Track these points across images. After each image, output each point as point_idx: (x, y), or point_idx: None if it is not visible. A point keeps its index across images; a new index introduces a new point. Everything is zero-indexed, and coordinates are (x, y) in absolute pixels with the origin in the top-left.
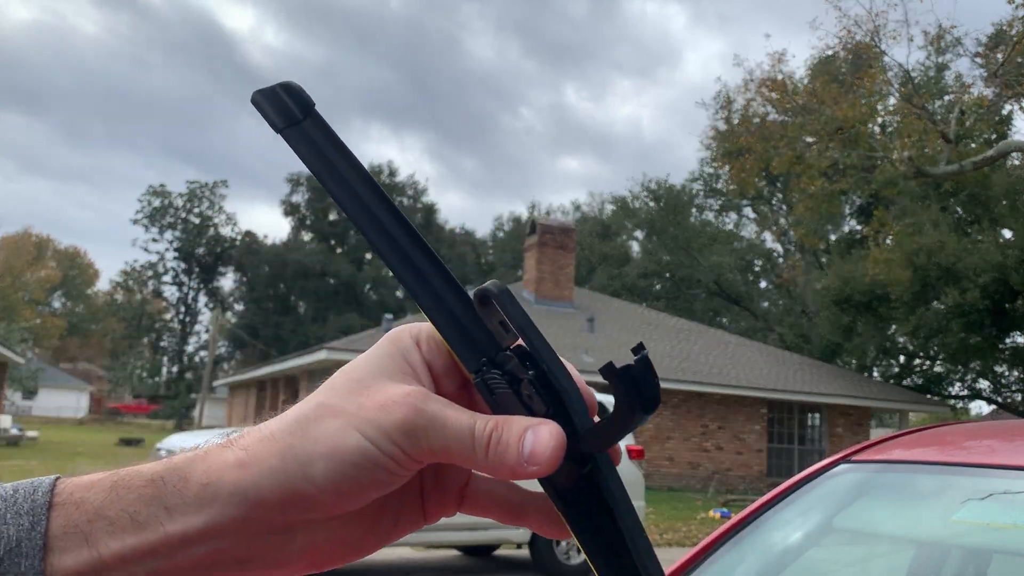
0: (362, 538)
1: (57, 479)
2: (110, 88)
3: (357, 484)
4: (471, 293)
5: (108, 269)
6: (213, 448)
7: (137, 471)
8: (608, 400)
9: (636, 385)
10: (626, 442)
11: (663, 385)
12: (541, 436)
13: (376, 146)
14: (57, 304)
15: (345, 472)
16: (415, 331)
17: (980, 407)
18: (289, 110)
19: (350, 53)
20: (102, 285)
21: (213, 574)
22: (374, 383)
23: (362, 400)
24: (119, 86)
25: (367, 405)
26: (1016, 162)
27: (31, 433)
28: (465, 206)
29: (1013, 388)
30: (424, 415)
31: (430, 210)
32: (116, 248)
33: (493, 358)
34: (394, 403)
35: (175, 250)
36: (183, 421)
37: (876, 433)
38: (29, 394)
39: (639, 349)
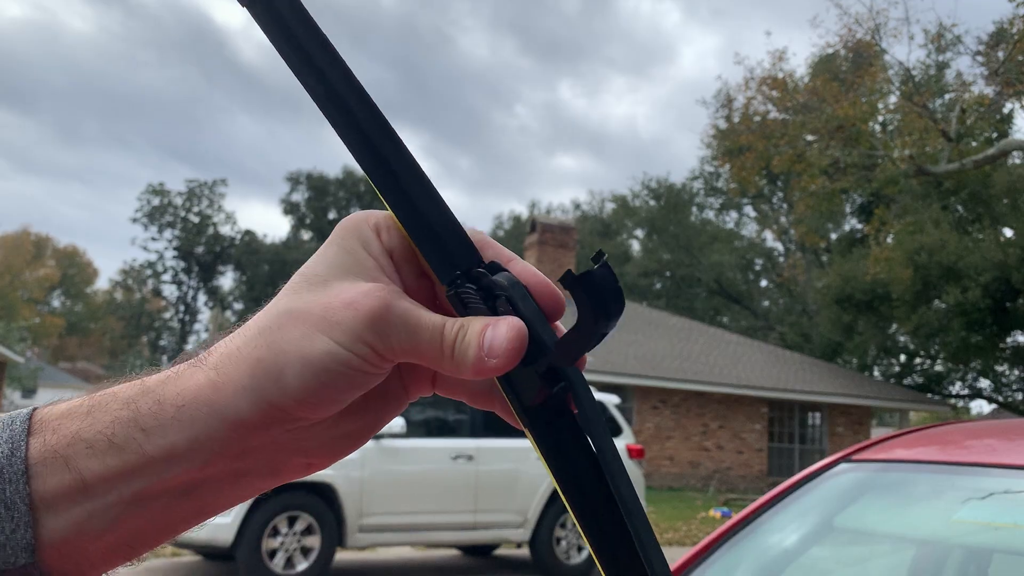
0: (349, 435)
1: (34, 409)
2: (102, 86)
3: (333, 389)
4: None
5: (107, 268)
6: (184, 369)
7: (112, 394)
8: (608, 399)
9: (598, 291)
10: (626, 441)
11: (663, 385)
12: (499, 330)
13: None
14: (56, 303)
15: (318, 379)
16: (373, 219)
17: (981, 406)
18: None
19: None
20: (101, 284)
21: (200, 489)
22: (336, 281)
23: (326, 301)
24: (111, 84)
25: (332, 305)
26: (1017, 160)
27: None
28: (462, 204)
29: (1014, 387)
30: (394, 312)
31: None
32: (115, 247)
33: (467, 271)
34: (361, 301)
35: (174, 249)
36: None
37: (877, 432)
38: (28, 393)
39: (599, 256)
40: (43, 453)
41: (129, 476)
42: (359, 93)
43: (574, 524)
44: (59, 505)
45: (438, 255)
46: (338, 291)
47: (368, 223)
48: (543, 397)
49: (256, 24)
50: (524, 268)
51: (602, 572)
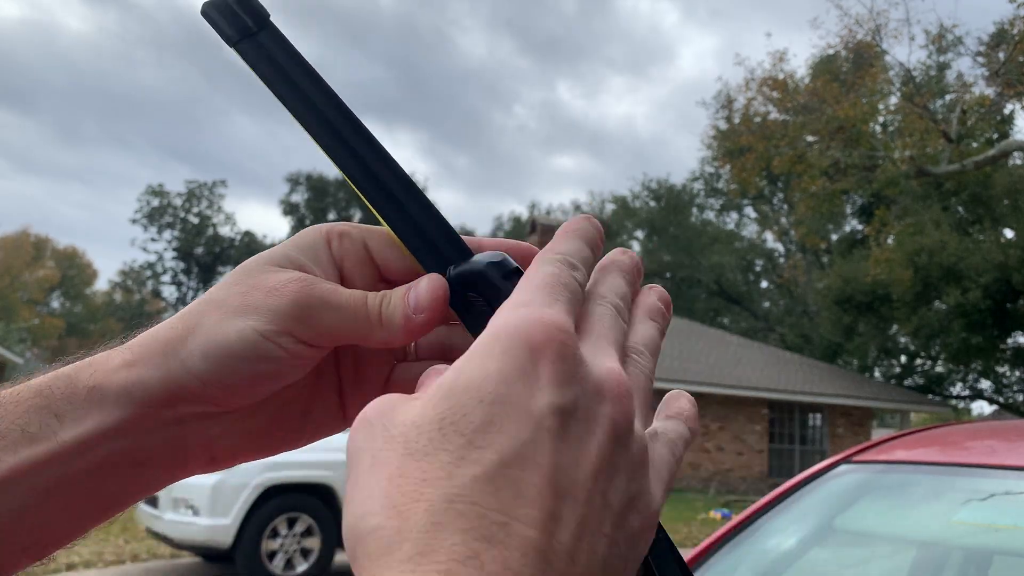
0: (266, 433)
1: None
2: (100, 86)
3: (242, 376)
4: None
5: (107, 269)
6: (101, 353)
7: (26, 385)
8: None
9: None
10: None
11: (663, 386)
12: (421, 286)
13: None
14: (56, 304)
15: (226, 364)
16: (326, 228)
17: (982, 407)
18: (242, 22)
19: (341, 50)
20: (101, 285)
21: (112, 477)
22: (261, 272)
23: (247, 289)
24: (109, 84)
25: (252, 293)
26: (1018, 161)
27: None
28: (460, 204)
29: (1015, 388)
30: (314, 294)
31: None
32: (114, 248)
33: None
34: (281, 287)
35: (174, 250)
36: None
37: (877, 434)
38: None
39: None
40: None
41: (43, 466)
42: (358, 129)
43: None
44: None
45: (432, 259)
46: (260, 281)
47: (320, 232)
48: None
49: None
50: (496, 244)
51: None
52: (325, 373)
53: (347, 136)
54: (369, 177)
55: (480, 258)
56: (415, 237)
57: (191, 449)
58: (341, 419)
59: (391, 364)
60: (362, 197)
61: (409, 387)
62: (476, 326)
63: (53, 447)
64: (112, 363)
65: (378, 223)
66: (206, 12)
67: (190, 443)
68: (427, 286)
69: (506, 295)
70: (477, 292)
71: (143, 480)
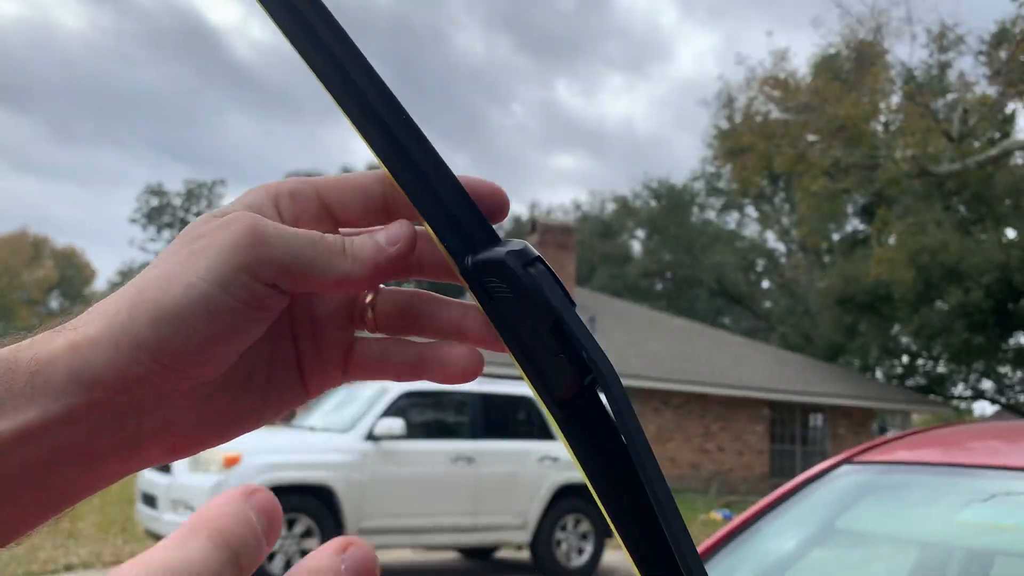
0: (225, 416)
1: None
2: (96, 84)
3: (197, 339)
4: None
5: (106, 268)
6: (42, 334)
7: None
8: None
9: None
10: None
11: (664, 386)
12: (391, 225)
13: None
14: (54, 304)
15: (177, 328)
16: (275, 185)
17: (984, 408)
18: None
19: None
20: (100, 285)
21: (59, 470)
22: (201, 224)
23: (188, 241)
24: (105, 82)
25: (195, 243)
26: (1020, 161)
27: None
28: None
29: (1017, 389)
30: (262, 226)
31: None
32: (113, 248)
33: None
34: (225, 226)
35: None
36: None
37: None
38: None
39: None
40: None
41: None
42: (380, 87)
43: (575, 525)
44: None
45: (456, 239)
46: (203, 230)
47: (268, 190)
48: (575, 389)
49: (263, 9)
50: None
51: (637, 572)
52: (282, 345)
53: (374, 102)
54: (395, 148)
55: (501, 248)
56: (440, 215)
57: (147, 437)
58: (303, 394)
59: (351, 337)
60: (386, 169)
61: (369, 366)
62: (495, 313)
63: None
64: (56, 344)
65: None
66: None
67: (145, 431)
68: (398, 224)
69: (526, 283)
70: (498, 280)
71: (93, 474)
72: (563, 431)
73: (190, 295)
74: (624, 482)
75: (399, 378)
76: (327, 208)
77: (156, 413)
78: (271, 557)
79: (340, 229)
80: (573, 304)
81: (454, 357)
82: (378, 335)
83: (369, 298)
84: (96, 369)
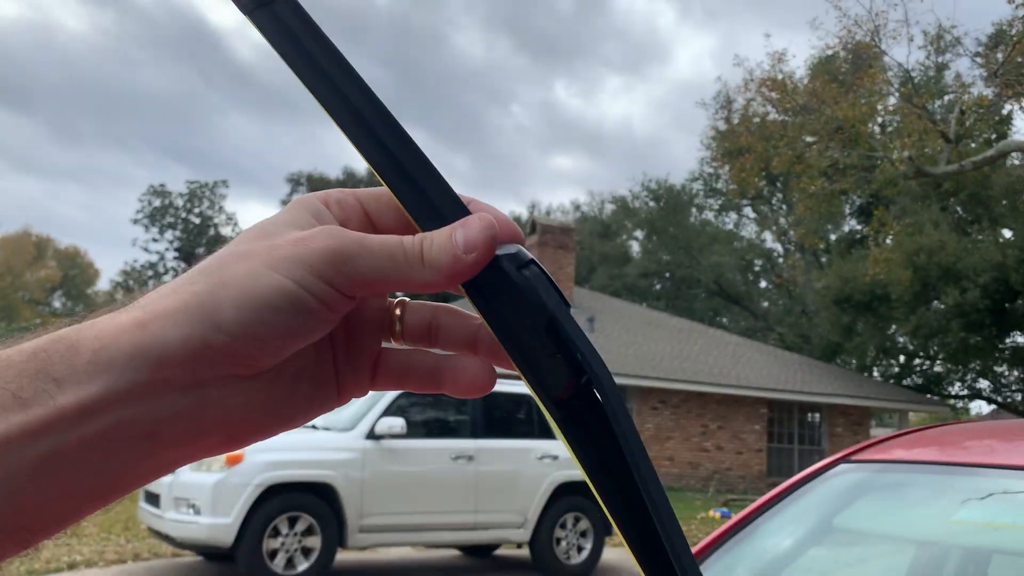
0: (281, 406)
1: None
2: (97, 86)
3: (275, 331)
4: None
5: (108, 269)
6: (105, 313)
7: (18, 348)
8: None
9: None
10: None
11: (663, 386)
12: (471, 224)
13: None
14: (57, 304)
15: (261, 317)
16: (324, 194)
17: (980, 407)
18: None
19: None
20: (102, 285)
21: (117, 451)
22: (281, 230)
23: (271, 245)
24: (106, 83)
25: (280, 244)
26: (1016, 162)
27: None
28: None
29: (1013, 388)
30: (348, 238)
31: None
32: (116, 248)
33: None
34: (311, 236)
35: (176, 250)
36: None
37: (876, 433)
38: None
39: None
40: None
41: (38, 433)
42: (374, 103)
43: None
44: None
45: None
46: (286, 235)
47: (319, 197)
48: (571, 389)
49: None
50: (484, 208)
51: (640, 570)
52: (325, 347)
53: (365, 112)
54: (388, 157)
55: (496, 251)
56: (435, 222)
57: (208, 420)
58: (336, 397)
59: (380, 346)
60: (380, 178)
61: (394, 375)
62: (492, 315)
63: (49, 413)
64: (121, 321)
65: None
66: None
67: (208, 413)
68: (478, 224)
69: (521, 285)
70: (493, 283)
71: (152, 459)
72: (562, 430)
73: (279, 291)
74: (620, 481)
75: (419, 388)
76: (368, 216)
77: (220, 397)
78: (273, 555)
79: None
80: (568, 305)
81: (469, 370)
82: (402, 345)
83: (399, 310)
84: (167, 345)
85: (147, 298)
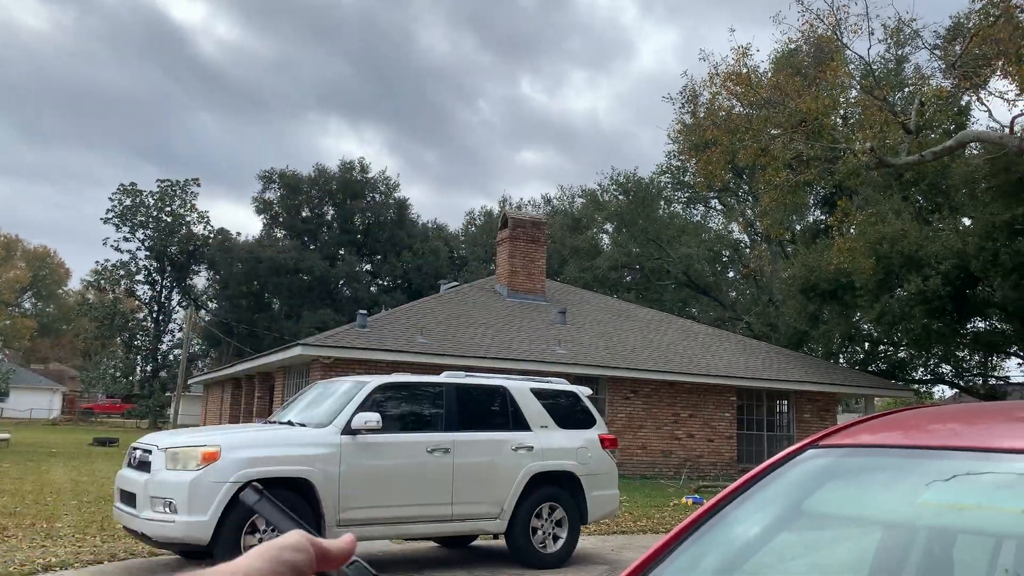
0: None
1: None
2: (63, 84)
3: None
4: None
5: (79, 268)
6: None
7: None
8: (580, 390)
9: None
10: (599, 431)
11: (634, 375)
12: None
13: (335, 140)
14: (27, 304)
15: None
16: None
17: (943, 391)
18: None
19: (305, 47)
20: (73, 284)
21: None
22: None
23: None
24: (71, 82)
25: None
26: (975, 152)
27: (2, 435)
28: (429, 200)
29: (974, 372)
30: None
31: (403, 205)
32: (86, 247)
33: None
34: None
35: (147, 249)
36: (158, 420)
37: (843, 418)
38: (0, 396)
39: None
40: None
41: None
42: None
43: (550, 512)
44: None
45: None
46: None
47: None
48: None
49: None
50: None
51: None
52: None
53: None
54: None
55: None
56: None
57: None
58: None
59: None
60: None
61: None
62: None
63: None
64: None
65: None
66: None
67: None
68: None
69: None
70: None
71: None
72: None
73: None
74: None
75: None
76: None
77: None
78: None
79: None
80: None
81: None
82: None
83: None
84: None
85: None
